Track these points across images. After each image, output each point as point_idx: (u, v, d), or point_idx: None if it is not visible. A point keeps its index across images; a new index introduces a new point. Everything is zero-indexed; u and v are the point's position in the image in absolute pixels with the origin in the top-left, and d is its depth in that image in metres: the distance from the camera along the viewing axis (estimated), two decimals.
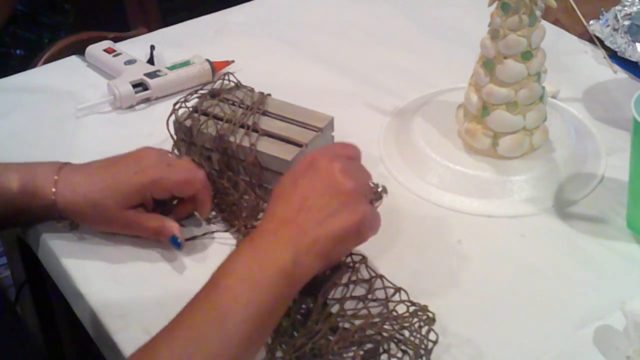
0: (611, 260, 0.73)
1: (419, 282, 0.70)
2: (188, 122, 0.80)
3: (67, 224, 0.76)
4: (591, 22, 1.04)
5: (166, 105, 0.83)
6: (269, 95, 0.84)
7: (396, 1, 1.18)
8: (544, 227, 0.77)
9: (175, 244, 0.73)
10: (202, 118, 0.80)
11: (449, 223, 0.78)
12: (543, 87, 0.81)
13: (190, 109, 0.82)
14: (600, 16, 1.04)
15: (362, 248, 0.74)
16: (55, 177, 0.72)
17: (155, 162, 0.74)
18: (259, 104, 0.82)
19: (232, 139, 0.78)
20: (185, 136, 0.81)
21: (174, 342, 0.56)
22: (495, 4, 0.77)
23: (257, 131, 0.79)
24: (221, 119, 0.80)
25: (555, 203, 0.79)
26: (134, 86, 0.94)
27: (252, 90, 0.85)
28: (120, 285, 0.71)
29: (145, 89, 0.95)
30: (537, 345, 0.64)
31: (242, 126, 0.79)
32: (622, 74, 0.97)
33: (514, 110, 0.79)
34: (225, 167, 0.78)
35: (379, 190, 0.69)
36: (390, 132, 0.89)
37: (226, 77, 0.86)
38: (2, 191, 0.72)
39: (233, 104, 0.82)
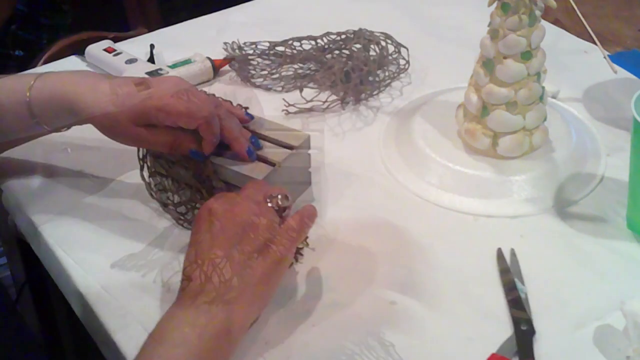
0: (611, 260, 0.73)
1: (419, 282, 0.70)
2: None
3: None
4: None
5: None
6: (247, 109, 0.81)
7: (396, 1, 1.18)
8: (543, 227, 0.77)
9: (196, 156, 0.73)
10: None
11: (449, 223, 0.78)
12: (543, 87, 0.81)
13: None
14: None
15: (361, 245, 0.74)
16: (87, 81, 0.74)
17: (169, 89, 0.73)
18: None
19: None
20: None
21: None
22: (495, 4, 0.77)
23: (227, 147, 0.75)
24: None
25: (555, 203, 0.79)
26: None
27: (229, 103, 0.80)
28: (121, 285, 0.71)
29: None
30: (536, 345, 0.64)
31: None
32: (622, 74, 0.97)
33: (513, 110, 0.79)
34: (197, 182, 0.75)
35: (281, 198, 0.66)
36: (390, 132, 0.90)
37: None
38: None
39: None
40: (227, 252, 0.61)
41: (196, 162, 0.75)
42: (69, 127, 0.81)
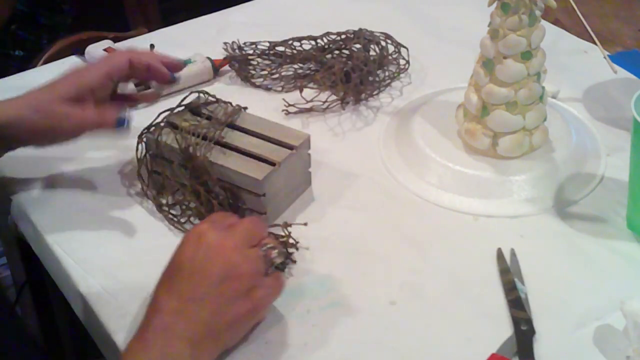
0: (611, 260, 0.73)
1: (419, 282, 0.70)
2: (151, 135, 0.78)
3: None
4: None
5: (168, 103, 0.83)
6: (245, 109, 0.82)
7: (396, 1, 1.18)
8: (543, 227, 0.77)
9: (121, 124, 0.74)
10: (167, 130, 0.78)
11: (449, 223, 0.78)
12: (543, 87, 0.81)
13: (163, 123, 0.79)
14: None
15: (360, 245, 0.74)
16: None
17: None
18: (229, 116, 0.79)
19: (198, 153, 0.75)
20: (151, 148, 0.79)
21: None
22: (495, 4, 0.77)
23: (227, 146, 0.76)
24: (189, 132, 0.77)
25: (555, 203, 0.79)
26: (136, 85, 0.94)
27: (229, 104, 0.82)
28: (121, 285, 0.71)
29: (147, 87, 0.95)
30: (536, 345, 0.64)
31: (216, 142, 0.76)
32: (622, 74, 0.97)
33: (513, 110, 0.79)
34: (195, 183, 0.76)
35: (277, 254, 0.65)
36: (390, 132, 0.90)
37: (202, 93, 0.83)
38: None
39: (208, 118, 0.79)
40: (206, 290, 0.59)
41: (195, 160, 0.75)
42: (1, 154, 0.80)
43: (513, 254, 0.73)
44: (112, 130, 0.74)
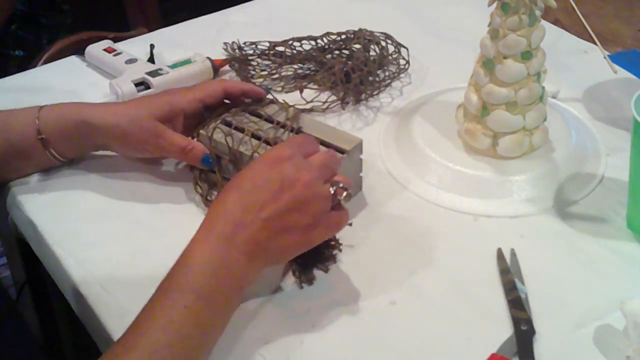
0: (611, 260, 0.73)
1: (419, 282, 0.71)
2: (205, 132, 0.79)
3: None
4: None
5: None
6: (301, 111, 0.83)
7: (396, 1, 1.18)
8: (543, 227, 0.77)
9: (207, 162, 0.77)
10: (220, 129, 0.78)
11: (449, 223, 0.78)
12: (543, 87, 0.81)
13: (219, 121, 0.80)
14: None
15: (361, 247, 0.74)
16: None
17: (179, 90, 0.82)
18: (292, 121, 0.80)
19: (244, 150, 0.75)
20: (205, 145, 0.79)
21: None
22: (495, 4, 0.77)
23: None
24: (242, 131, 0.78)
25: (555, 203, 0.79)
26: (136, 85, 0.94)
27: (286, 105, 0.83)
28: (121, 284, 0.71)
29: (147, 87, 0.95)
30: (536, 345, 0.64)
31: (267, 142, 0.77)
32: (622, 74, 0.97)
33: (513, 110, 0.79)
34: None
35: (345, 195, 0.66)
36: (390, 132, 0.90)
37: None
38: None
39: (267, 120, 0.80)
40: (271, 214, 0.62)
41: (243, 159, 0.76)
42: (80, 154, 0.83)
43: (513, 254, 0.73)
44: (195, 164, 0.79)
